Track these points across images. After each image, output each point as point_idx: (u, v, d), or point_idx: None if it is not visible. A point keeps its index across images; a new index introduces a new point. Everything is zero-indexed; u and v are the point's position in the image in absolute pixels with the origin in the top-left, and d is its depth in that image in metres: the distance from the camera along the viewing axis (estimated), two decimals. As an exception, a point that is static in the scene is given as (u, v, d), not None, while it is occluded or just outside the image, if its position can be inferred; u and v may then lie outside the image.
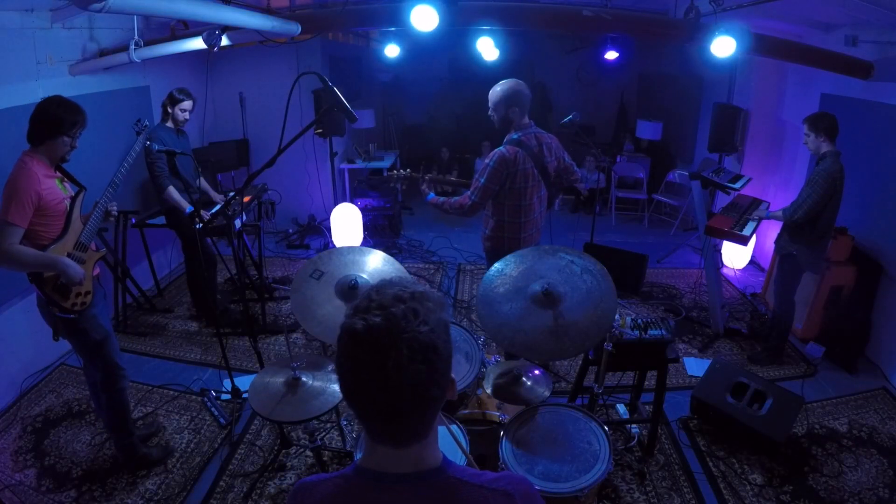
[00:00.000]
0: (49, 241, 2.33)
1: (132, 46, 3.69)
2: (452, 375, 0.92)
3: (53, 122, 2.28)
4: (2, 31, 3.19)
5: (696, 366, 3.75)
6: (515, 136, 2.91)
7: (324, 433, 2.99)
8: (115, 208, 2.65)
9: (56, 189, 2.36)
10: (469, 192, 2.95)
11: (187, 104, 3.78)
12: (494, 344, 3.30)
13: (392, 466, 0.90)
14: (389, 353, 0.82)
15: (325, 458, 2.71)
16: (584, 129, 7.39)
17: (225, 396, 3.36)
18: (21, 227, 2.22)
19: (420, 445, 0.91)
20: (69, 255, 2.38)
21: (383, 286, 0.90)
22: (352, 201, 5.95)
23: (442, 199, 3.08)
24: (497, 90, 2.92)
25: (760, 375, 3.23)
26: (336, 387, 2.18)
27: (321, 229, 6.15)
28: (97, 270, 2.59)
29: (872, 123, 3.79)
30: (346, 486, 0.92)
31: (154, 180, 3.77)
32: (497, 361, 2.57)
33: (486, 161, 2.87)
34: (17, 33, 3.31)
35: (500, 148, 2.89)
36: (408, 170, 3.30)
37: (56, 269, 2.30)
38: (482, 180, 2.88)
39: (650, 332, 2.55)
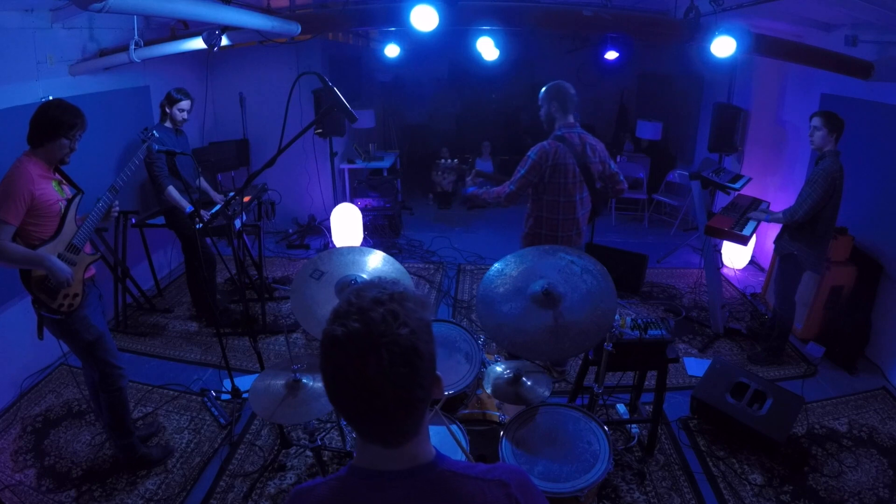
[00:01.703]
0: (41, 241, 2.34)
1: (132, 46, 3.69)
2: (438, 373, 0.92)
3: (52, 124, 2.30)
4: (2, 31, 3.19)
5: (696, 366, 3.75)
6: (559, 133, 3.03)
7: (324, 433, 2.99)
8: (116, 208, 2.65)
9: (51, 190, 2.37)
10: (508, 182, 3.05)
11: (185, 104, 3.78)
12: (494, 344, 3.30)
13: (384, 465, 0.91)
14: (369, 358, 0.82)
15: (325, 458, 2.71)
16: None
17: (225, 396, 3.36)
18: (13, 225, 2.24)
19: (411, 444, 0.91)
20: (59, 256, 2.38)
21: (363, 289, 0.90)
22: (352, 201, 5.95)
23: (482, 190, 3.17)
24: (542, 89, 3.10)
25: (760, 375, 3.23)
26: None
27: (321, 229, 6.15)
28: (92, 271, 2.59)
29: (872, 123, 3.78)
30: (342, 488, 0.92)
31: (153, 180, 3.77)
32: (497, 361, 2.57)
33: (528, 153, 3.00)
34: (17, 33, 3.31)
35: (543, 142, 3.01)
36: (456, 160, 3.43)
37: (43, 267, 2.31)
38: (522, 171, 3.01)
39: (650, 332, 2.55)
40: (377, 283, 0.91)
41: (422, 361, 0.87)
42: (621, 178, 3.24)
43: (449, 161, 3.42)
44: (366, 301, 0.86)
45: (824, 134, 3.28)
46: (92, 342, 2.53)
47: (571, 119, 3.09)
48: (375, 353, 0.82)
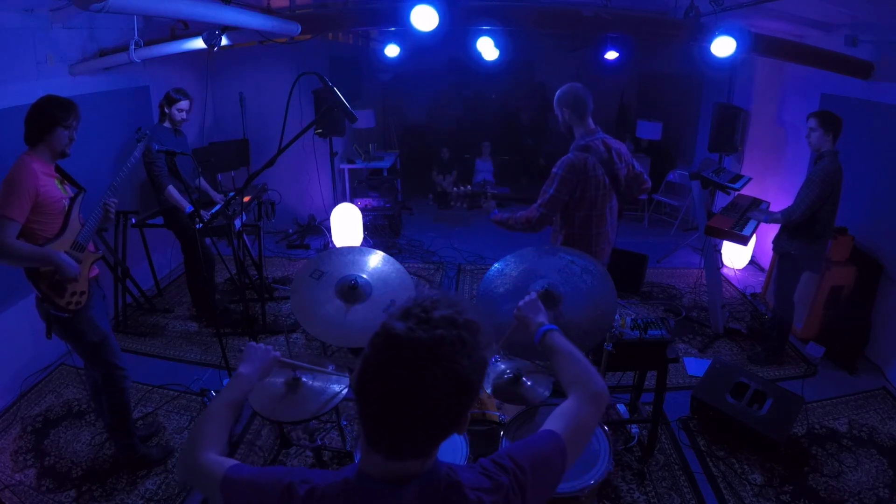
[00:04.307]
0: (46, 240, 2.33)
1: (132, 46, 3.69)
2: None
3: (48, 117, 2.31)
4: (2, 31, 3.19)
5: (696, 366, 3.75)
6: (582, 142, 2.77)
7: (324, 433, 2.99)
8: (113, 207, 2.64)
9: (55, 187, 2.37)
10: (536, 204, 2.77)
11: (184, 104, 3.78)
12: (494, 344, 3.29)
13: (388, 476, 0.90)
14: (424, 372, 0.81)
15: (325, 458, 2.71)
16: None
17: (225, 396, 3.35)
18: (18, 222, 2.22)
19: (418, 462, 0.90)
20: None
21: (438, 301, 0.88)
22: (352, 201, 5.95)
23: (506, 214, 2.89)
24: (556, 94, 2.83)
25: (760, 375, 3.23)
26: (336, 387, 2.18)
27: (321, 229, 6.15)
28: (95, 271, 2.60)
29: (872, 123, 3.78)
30: (347, 490, 0.92)
31: (153, 180, 3.77)
32: (496, 360, 2.57)
33: (554, 170, 2.73)
34: (17, 33, 3.31)
35: (568, 155, 2.75)
36: (469, 186, 3.07)
37: (51, 263, 2.30)
38: (550, 190, 2.72)
39: (650, 332, 2.55)
40: (452, 302, 0.89)
41: (468, 396, 0.87)
42: (645, 176, 3.03)
43: (461, 188, 3.05)
44: (438, 316, 0.85)
45: (820, 134, 3.28)
46: (97, 343, 2.53)
47: (591, 124, 2.81)
48: (431, 371, 0.81)
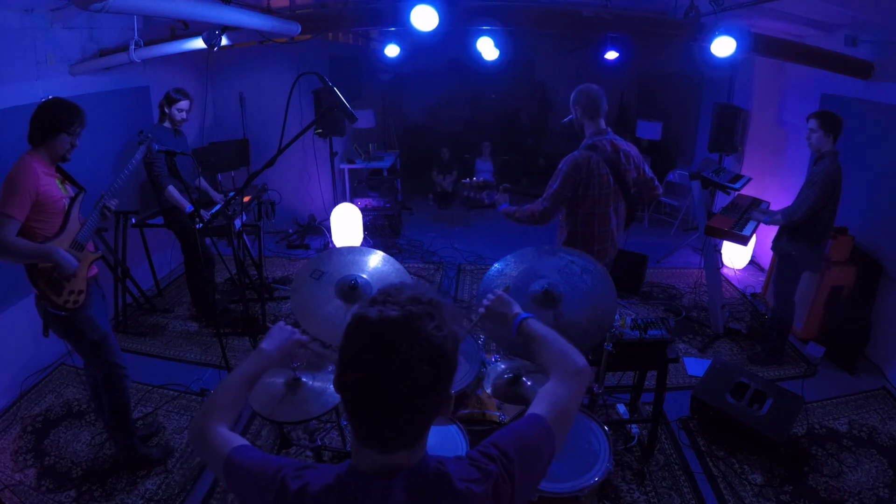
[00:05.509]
0: (45, 238, 2.35)
1: (132, 46, 3.69)
2: (451, 391, 0.92)
3: (53, 120, 2.32)
4: (2, 31, 3.19)
5: (696, 366, 3.75)
6: (590, 142, 2.84)
7: (324, 433, 2.99)
8: (113, 204, 2.66)
9: (55, 187, 2.38)
10: (540, 198, 2.86)
11: (184, 104, 3.78)
12: (494, 344, 3.30)
13: (380, 470, 0.90)
14: (400, 347, 0.82)
15: (325, 458, 2.71)
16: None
17: (225, 396, 3.36)
18: (18, 221, 2.24)
19: (407, 453, 0.90)
20: None
21: (402, 286, 0.92)
22: (352, 201, 5.95)
23: (514, 207, 2.98)
24: (572, 93, 2.90)
25: (760, 375, 3.23)
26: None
27: (321, 229, 6.15)
28: (94, 271, 2.60)
29: (872, 123, 3.78)
30: (340, 485, 0.92)
31: (153, 180, 3.77)
32: (496, 360, 2.58)
33: (560, 166, 2.81)
34: (17, 33, 3.31)
35: (574, 152, 2.82)
36: (481, 178, 3.15)
37: (50, 259, 2.31)
38: (554, 185, 2.81)
39: (650, 332, 2.55)
40: (417, 286, 0.93)
41: (444, 370, 0.87)
42: (656, 182, 3.07)
43: (473, 180, 3.13)
44: (404, 297, 0.88)
45: (821, 135, 3.27)
46: (97, 342, 2.54)
47: (602, 124, 2.87)
48: (407, 344, 0.82)
